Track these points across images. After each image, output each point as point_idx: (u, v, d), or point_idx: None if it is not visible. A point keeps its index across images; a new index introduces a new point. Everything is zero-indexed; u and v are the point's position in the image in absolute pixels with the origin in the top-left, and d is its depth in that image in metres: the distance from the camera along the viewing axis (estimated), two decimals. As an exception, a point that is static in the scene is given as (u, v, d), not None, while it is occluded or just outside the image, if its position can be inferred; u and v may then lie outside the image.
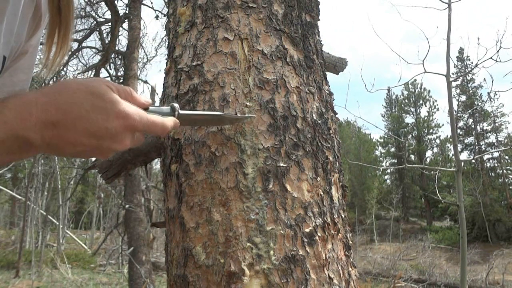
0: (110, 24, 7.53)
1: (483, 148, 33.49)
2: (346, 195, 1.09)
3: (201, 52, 1.04)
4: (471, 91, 34.60)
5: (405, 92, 40.97)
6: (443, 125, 39.24)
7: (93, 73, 7.91)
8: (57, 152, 0.55)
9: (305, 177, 0.95)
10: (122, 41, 8.58)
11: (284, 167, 0.93)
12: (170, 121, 0.67)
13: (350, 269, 0.99)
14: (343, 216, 1.03)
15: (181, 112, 0.73)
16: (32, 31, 0.68)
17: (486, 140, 34.35)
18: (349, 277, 0.97)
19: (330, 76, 1.46)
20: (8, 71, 0.66)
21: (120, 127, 0.57)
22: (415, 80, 38.90)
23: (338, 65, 2.08)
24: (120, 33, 7.78)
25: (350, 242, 1.05)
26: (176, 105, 0.72)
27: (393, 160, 40.45)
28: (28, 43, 0.68)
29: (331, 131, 1.08)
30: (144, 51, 9.26)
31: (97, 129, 0.55)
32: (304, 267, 0.87)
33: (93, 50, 8.30)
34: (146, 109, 0.66)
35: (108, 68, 8.26)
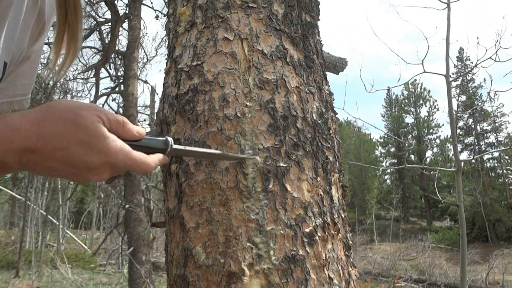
0: (110, 24, 7.53)
1: (483, 148, 33.49)
2: (346, 195, 1.09)
3: (201, 52, 1.04)
4: (471, 91, 34.60)
5: (405, 92, 41.00)
6: (443, 125, 39.26)
7: (93, 73, 7.92)
8: (33, 172, 0.56)
9: (305, 177, 0.95)
10: (122, 41, 8.59)
11: (284, 167, 0.93)
12: (155, 160, 0.66)
13: (350, 269, 1.00)
14: (343, 216, 1.03)
15: (175, 147, 0.71)
16: (35, 37, 0.68)
17: (486, 140, 34.35)
18: (349, 277, 0.97)
19: (330, 76, 1.46)
20: (10, 76, 0.66)
21: (99, 162, 0.57)
22: (415, 80, 38.91)
23: (338, 65, 2.09)
24: (120, 33, 7.78)
25: (350, 242, 1.05)
26: (170, 139, 0.70)
27: (393, 160, 40.46)
28: (31, 49, 0.68)
29: (331, 131, 1.08)
30: (144, 51, 9.27)
31: (75, 161, 0.55)
32: (304, 267, 0.87)
33: (93, 50, 8.30)
34: (139, 139, 0.65)
35: (108, 68, 8.27)
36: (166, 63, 1.17)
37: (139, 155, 0.63)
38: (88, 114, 0.57)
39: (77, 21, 0.67)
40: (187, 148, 0.80)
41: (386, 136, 40.37)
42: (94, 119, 0.57)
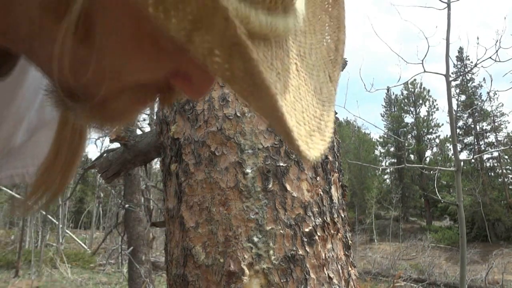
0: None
1: (483, 148, 33.50)
2: (345, 194, 1.09)
3: (200, 52, 1.03)
4: (470, 91, 34.60)
5: (405, 92, 40.98)
6: (442, 124, 39.23)
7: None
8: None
9: (305, 177, 0.95)
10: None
11: (283, 167, 0.93)
12: None
13: (349, 268, 1.00)
14: (342, 215, 1.03)
15: None
16: None
17: (485, 140, 34.36)
18: (349, 277, 0.97)
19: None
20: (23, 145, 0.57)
21: None
22: (415, 79, 38.90)
23: (337, 65, 2.08)
24: (119, 32, 7.77)
25: (350, 241, 1.05)
26: None
27: (393, 160, 40.45)
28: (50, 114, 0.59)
29: (330, 131, 1.08)
30: (144, 50, 9.26)
31: None
32: (303, 267, 0.87)
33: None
34: None
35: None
36: (166, 63, 1.17)
37: None
38: None
39: (73, 162, 0.44)
40: None
41: (385, 135, 40.36)
42: None
